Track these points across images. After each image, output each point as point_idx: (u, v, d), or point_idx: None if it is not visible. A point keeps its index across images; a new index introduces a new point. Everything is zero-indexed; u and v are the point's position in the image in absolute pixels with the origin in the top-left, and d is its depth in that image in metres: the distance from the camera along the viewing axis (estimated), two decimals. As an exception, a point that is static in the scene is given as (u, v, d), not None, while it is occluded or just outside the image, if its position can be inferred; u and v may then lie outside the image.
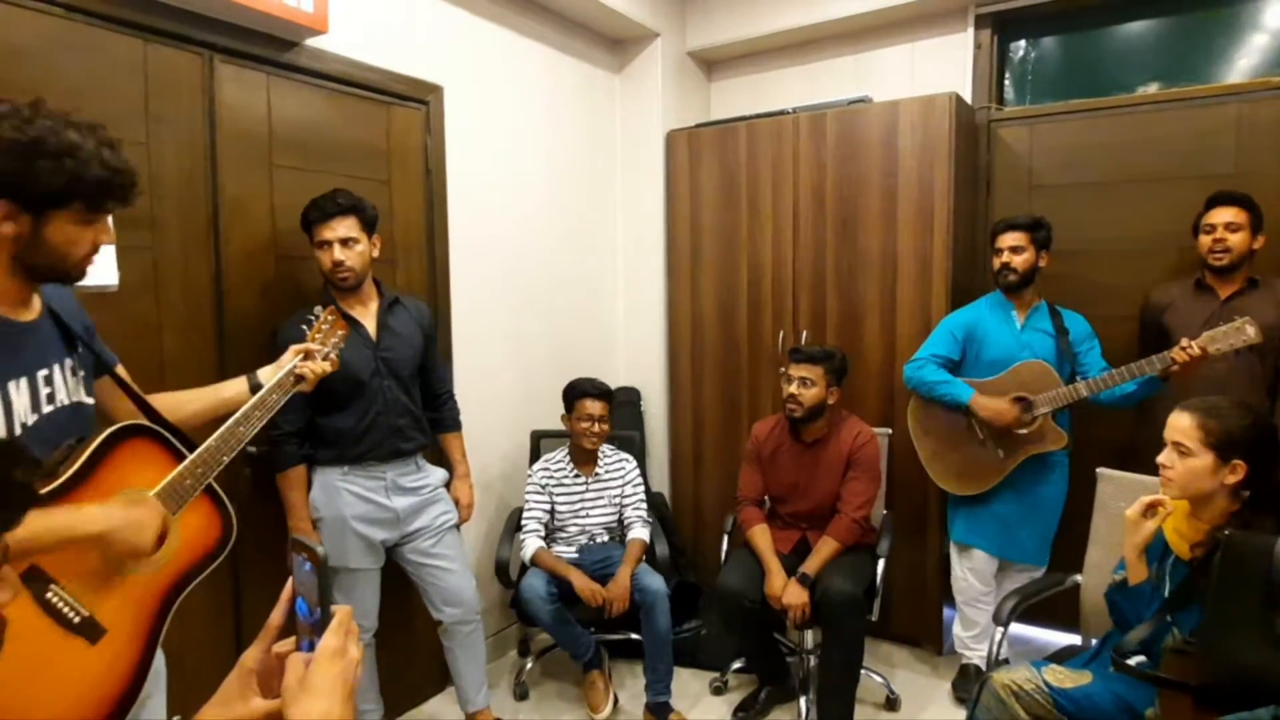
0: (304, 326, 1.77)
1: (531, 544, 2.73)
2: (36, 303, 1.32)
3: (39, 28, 1.79)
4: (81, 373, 1.38)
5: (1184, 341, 2.29)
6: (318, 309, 1.78)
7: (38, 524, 1.14)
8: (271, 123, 2.26)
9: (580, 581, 2.58)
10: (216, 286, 2.15)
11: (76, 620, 1.23)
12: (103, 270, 1.86)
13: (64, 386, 1.32)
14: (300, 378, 1.63)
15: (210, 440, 1.44)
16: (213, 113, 2.12)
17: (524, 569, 2.74)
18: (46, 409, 1.27)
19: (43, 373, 1.28)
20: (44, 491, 1.20)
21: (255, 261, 2.24)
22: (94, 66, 1.88)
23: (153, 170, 1.99)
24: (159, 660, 1.52)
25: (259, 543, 2.23)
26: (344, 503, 2.18)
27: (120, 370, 1.50)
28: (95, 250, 1.30)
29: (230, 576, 2.20)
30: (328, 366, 1.70)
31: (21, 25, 1.76)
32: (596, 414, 2.79)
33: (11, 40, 1.74)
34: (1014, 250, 2.63)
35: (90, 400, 1.40)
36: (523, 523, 2.80)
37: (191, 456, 1.41)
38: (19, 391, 1.22)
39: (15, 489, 0.66)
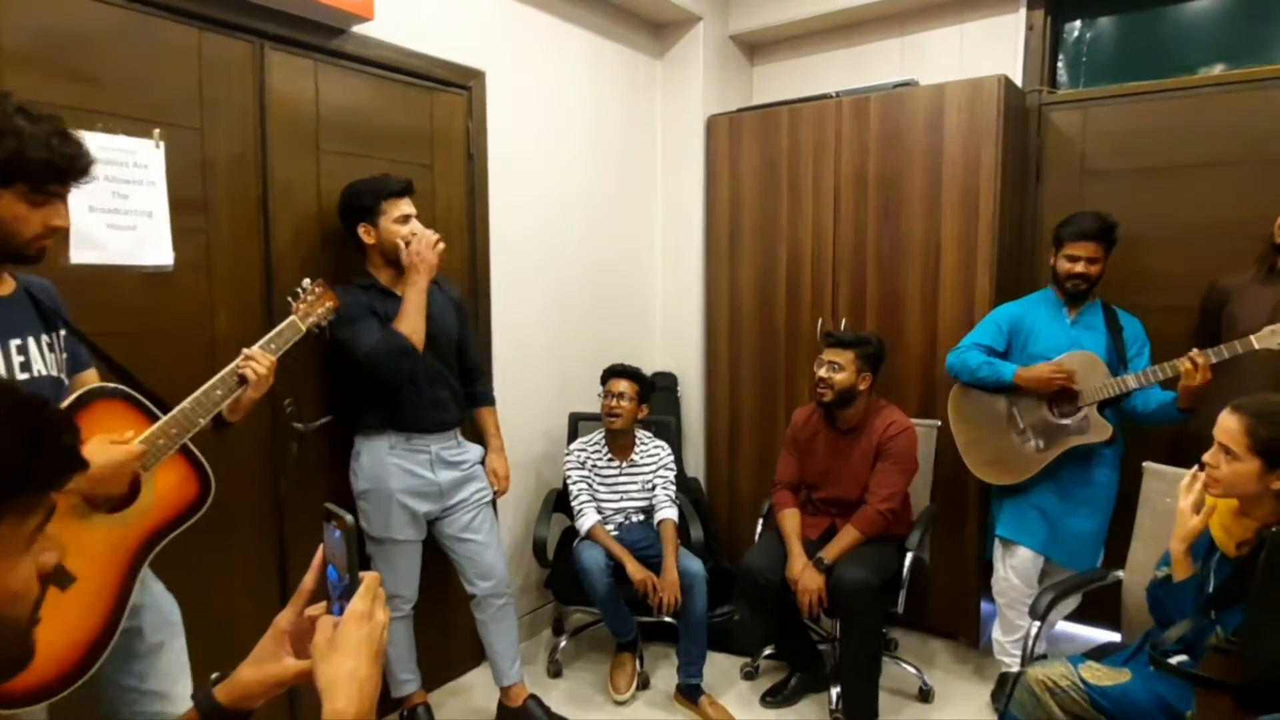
0: (290, 299, 1.79)
1: (590, 516, 2.77)
2: (9, 282, 1.40)
3: (100, 17, 1.86)
4: (63, 354, 1.46)
5: (1194, 353, 2.23)
6: (306, 281, 1.81)
7: None
8: (319, 108, 2.32)
9: (633, 566, 2.62)
10: (266, 266, 2.22)
11: None
12: (158, 250, 1.95)
13: (40, 358, 1.39)
14: (244, 378, 1.61)
15: (184, 403, 1.51)
16: (263, 99, 2.18)
17: (562, 545, 2.78)
18: (21, 376, 1.35)
19: (15, 342, 1.35)
20: None
21: (303, 242, 2.30)
22: (151, 54, 1.95)
23: (206, 154, 2.07)
24: (174, 609, 1.61)
25: (303, 512, 2.32)
26: (390, 476, 2.25)
27: (88, 375, 1.55)
28: (48, 233, 1.34)
29: (276, 543, 2.29)
30: (263, 369, 1.64)
31: (84, 14, 1.83)
32: (618, 390, 2.83)
33: (74, 29, 1.82)
34: (1090, 261, 2.51)
35: (67, 381, 1.47)
36: (574, 492, 2.83)
37: (165, 417, 1.47)
38: None
39: (64, 452, 0.70)
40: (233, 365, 1.62)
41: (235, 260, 2.15)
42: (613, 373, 2.88)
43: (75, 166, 1.33)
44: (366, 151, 2.43)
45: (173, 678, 1.58)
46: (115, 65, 1.88)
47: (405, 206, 2.21)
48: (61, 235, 1.39)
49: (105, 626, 1.37)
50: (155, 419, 1.48)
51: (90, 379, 1.55)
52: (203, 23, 2.04)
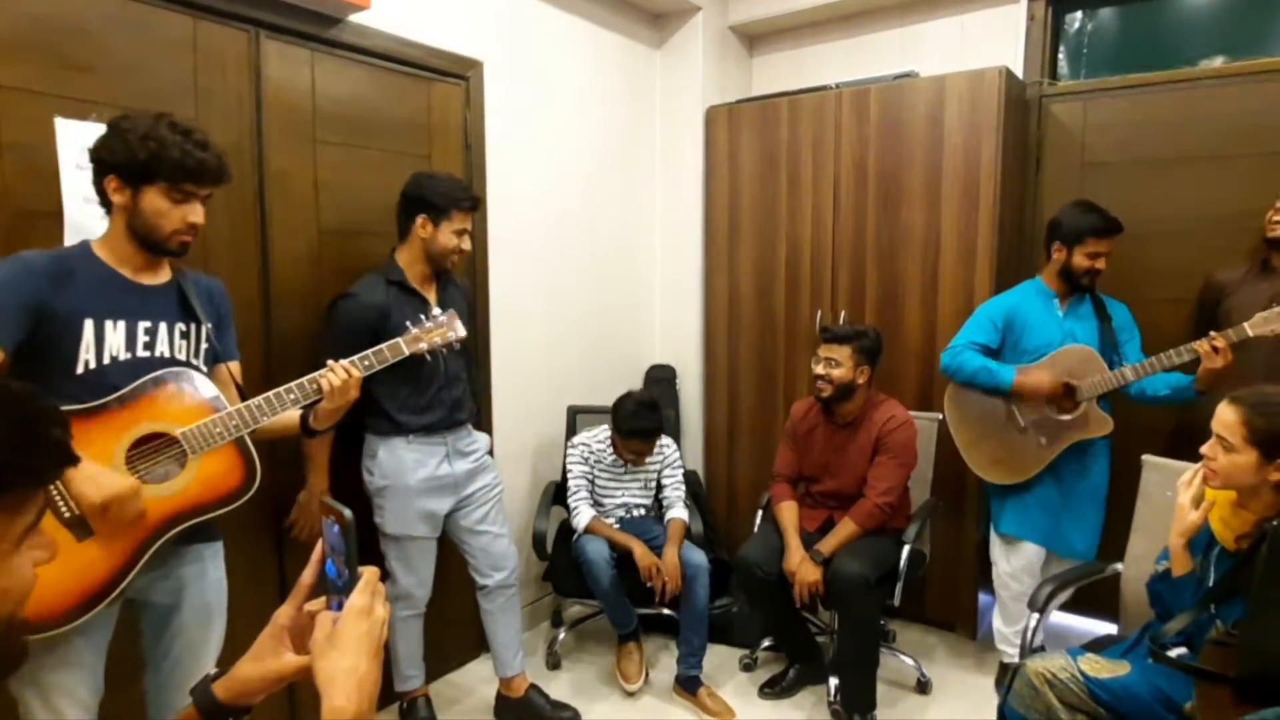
0: (410, 324, 1.88)
1: (586, 513, 2.76)
2: (163, 274, 1.59)
3: (95, 6, 1.84)
4: (202, 344, 1.63)
5: (1213, 335, 2.22)
6: (435, 310, 1.92)
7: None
8: (315, 98, 2.30)
9: (640, 550, 2.62)
10: (262, 259, 2.20)
11: (67, 515, 1.37)
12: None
13: (166, 341, 1.56)
14: (319, 389, 1.69)
15: (255, 399, 1.59)
16: (259, 89, 2.16)
17: (561, 537, 2.77)
18: (143, 353, 1.52)
19: (144, 324, 1.53)
20: (88, 406, 1.43)
21: (299, 234, 2.29)
22: (146, 44, 1.93)
23: (201, 145, 2.05)
24: (220, 597, 1.68)
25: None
26: (408, 472, 2.24)
27: (232, 366, 1.73)
28: (187, 228, 1.52)
29: (274, 539, 2.28)
30: (338, 380, 1.71)
31: (78, 3, 1.81)
32: (639, 449, 2.79)
33: (70, 19, 1.80)
34: (1107, 255, 2.51)
35: (202, 366, 1.61)
36: (572, 488, 2.82)
37: (229, 409, 1.56)
38: (115, 330, 1.50)
39: (55, 446, 0.69)
40: (314, 375, 1.70)
41: (232, 252, 2.13)
42: (632, 432, 2.72)
43: (206, 169, 1.50)
44: (364, 142, 2.42)
45: (194, 662, 1.64)
46: (110, 54, 1.86)
47: (468, 222, 2.22)
48: (191, 230, 1.55)
49: (99, 589, 1.41)
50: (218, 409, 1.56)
51: (228, 372, 1.71)
52: (198, 11, 2.01)
